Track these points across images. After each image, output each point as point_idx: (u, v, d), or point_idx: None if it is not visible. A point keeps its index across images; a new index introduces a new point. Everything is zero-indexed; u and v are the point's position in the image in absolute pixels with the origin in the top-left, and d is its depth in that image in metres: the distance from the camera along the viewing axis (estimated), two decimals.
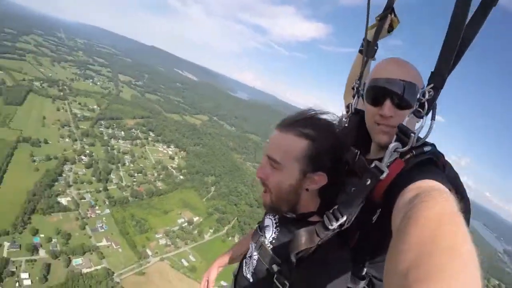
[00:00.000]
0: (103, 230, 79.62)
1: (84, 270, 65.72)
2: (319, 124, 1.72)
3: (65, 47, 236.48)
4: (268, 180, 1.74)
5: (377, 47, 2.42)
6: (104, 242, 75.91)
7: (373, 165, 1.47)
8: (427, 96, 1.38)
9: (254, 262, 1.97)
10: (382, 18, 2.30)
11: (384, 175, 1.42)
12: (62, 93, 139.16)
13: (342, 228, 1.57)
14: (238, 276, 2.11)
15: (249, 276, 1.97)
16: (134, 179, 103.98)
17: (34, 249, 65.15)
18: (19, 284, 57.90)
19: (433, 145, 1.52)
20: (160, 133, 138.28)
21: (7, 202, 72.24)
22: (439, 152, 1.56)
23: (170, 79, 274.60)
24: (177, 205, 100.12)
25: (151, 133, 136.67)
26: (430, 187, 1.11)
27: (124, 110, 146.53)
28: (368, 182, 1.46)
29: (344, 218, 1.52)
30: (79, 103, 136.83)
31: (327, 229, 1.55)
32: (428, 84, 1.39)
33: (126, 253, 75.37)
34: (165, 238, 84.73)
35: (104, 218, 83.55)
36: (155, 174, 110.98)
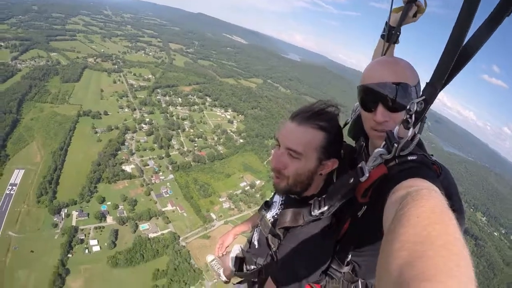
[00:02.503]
0: (168, 195, 79.91)
1: (151, 235, 66.39)
2: (330, 117, 1.89)
3: (113, 23, 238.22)
4: (286, 169, 1.87)
5: (400, 32, 2.33)
6: (169, 207, 76.27)
7: (360, 165, 1.53)
8: (415, 108, 1.33)
9: (259, 231, 2.39)
10: (409, 2, 2.22)
11: (364, 178, 1.48)
12: (116, 66, 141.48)
13: (323, 216, 1.74)
14: (251, 242, 2.53)
15: (255, 243, 2.40)
16: (195, 144, 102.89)
17: (102, 217, 66.89)
18: (88, 251, 59.58)
19: (421, 155, 1.46)
20: (216, 97, 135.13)
21: (73, 173, 75.03)
22: (431, 160, 1.51)
23: (220, 44, 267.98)
24: (239, 168, 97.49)
25: (208, 98, 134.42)
26: (419, 186, 1.09)
27: (179, 77, 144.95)
28: (351, 181, 1.57)
29: (326, 208, 1.68)
30: (134, 74, 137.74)
31: (310, 214, 1.75)
32: (421, 95, 1.35)
33: (191, 217, 75.06)
34: (228, 202, 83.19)
35: (168, 184, 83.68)
36: (215, 138, 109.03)
